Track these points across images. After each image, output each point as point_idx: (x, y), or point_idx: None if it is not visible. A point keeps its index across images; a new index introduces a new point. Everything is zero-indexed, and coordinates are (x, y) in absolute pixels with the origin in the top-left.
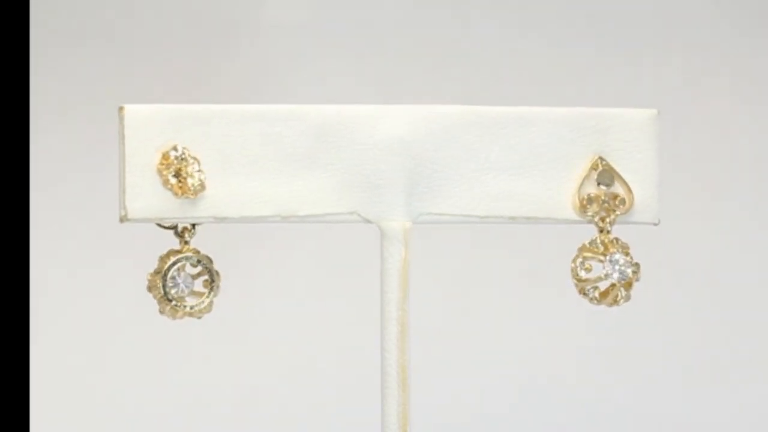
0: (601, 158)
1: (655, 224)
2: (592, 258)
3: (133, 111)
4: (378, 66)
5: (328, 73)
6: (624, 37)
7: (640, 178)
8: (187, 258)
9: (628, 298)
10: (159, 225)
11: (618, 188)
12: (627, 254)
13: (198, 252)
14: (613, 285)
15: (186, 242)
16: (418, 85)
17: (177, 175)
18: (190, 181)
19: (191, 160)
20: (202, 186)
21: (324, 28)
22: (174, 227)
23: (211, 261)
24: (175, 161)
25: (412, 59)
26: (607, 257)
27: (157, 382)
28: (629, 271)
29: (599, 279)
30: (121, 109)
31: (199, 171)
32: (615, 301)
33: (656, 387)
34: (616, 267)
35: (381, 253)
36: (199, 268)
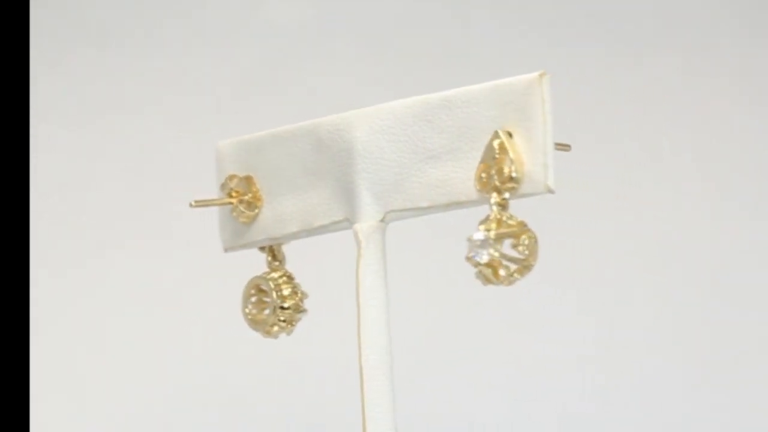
0: (497, 132)
1: (551, 192)
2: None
3: (220, 147)
4: (378, 66)
5: (328, 73)
6: (624, 37)
7: (530, 147)
8: (259, 278)
9: (516, 275)
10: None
11: (507, 163)
12: (514, 235)
13: (277, 272)
14: (484, 266)
15: (272, 263)
16: (418, 85)
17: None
18: (233, 210)
19: (242, 190)
20: (243, 214)
21: (324, 28)
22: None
23: (286, 280)
24: (228, 193)
25: (412, 59)
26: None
27: (155, 382)
28: (485, 253)
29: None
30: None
31: (243, 200)
32: (499, 280)
33: (650, 384)
34: (472, 248)
35: None
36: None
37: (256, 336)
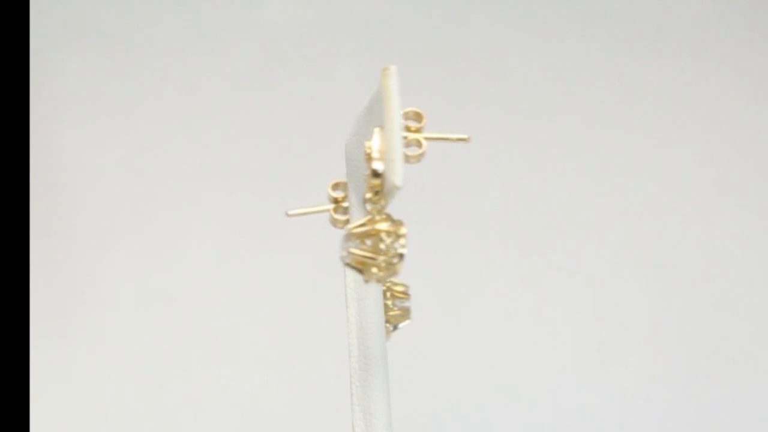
0: (373, 131)
1: (398, 188)
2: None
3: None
4: (378, 66)
5: (328, 73)
6: (624, 37)
7: (387, 142)
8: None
9: (381, 273)
10: None
11: (370, 161)
12: (371, 233)
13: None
14: (353, 263)
15: None
16: (418, 85)
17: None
18: (329, 218)
19: (343, 196)
20: (337, 221)
21: (324, 28)
22: None
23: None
24: (332, 200)
25: (412, 59)
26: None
27: (154, 382)
28: (344, 250)
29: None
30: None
31: (339, 207)
32: (368, 278)
33: (650, 383)
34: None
35: None
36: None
37: (254, 336)
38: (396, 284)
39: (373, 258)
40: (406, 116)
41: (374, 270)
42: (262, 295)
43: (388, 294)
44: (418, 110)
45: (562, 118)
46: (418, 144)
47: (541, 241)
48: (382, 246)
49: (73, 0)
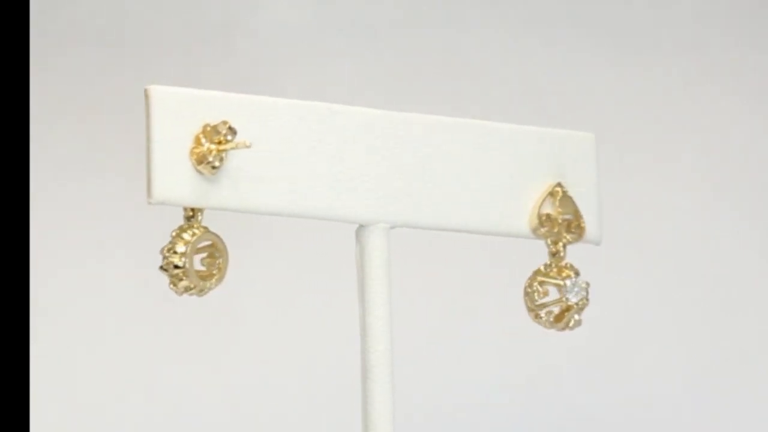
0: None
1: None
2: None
3: None
4: (378, 66)
5: (328, 73)
6: (624, 37)
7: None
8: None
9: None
10: None
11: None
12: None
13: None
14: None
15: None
16: (418, 85)
17: None
18: None
19: None
20: None
21: (324, 28)
22: None
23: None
24: None
25: (412, 59)
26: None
27: (154, 382)
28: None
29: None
30: None
31: None
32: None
33: (649, 384)
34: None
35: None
36: None
37: (255, 336)
38: (564, 274)
39: (166, 270)
40: (214, 130)
41: (171, 284)
42: (269, 293)
43: (539, 286)
44: (225, 120)
45: (560, 118)
46: (209, 153)
47: (540, 242)
48: (174, 259)
49: (72, 0)
